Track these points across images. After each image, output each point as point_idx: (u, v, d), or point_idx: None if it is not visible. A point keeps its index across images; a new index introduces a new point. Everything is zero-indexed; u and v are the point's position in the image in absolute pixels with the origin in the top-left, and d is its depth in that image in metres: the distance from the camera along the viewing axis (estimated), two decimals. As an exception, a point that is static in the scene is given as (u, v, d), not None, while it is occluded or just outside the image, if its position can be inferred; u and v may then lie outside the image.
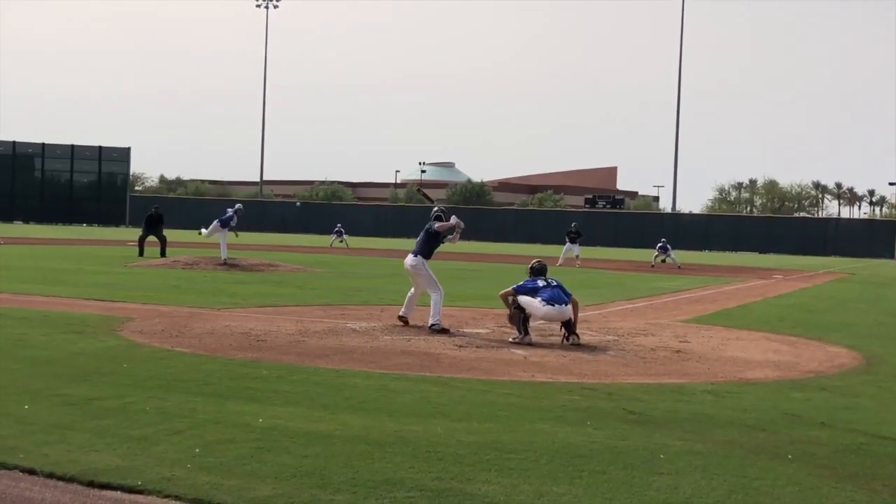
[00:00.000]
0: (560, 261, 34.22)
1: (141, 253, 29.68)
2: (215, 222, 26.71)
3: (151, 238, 30.47)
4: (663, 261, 38.14)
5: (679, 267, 36.01)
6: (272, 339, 10.99)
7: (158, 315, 13.19)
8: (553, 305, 11.44)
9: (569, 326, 11.59)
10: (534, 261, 12.82)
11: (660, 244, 39.22)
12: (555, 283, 11.84)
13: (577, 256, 35.89)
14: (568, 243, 36.40)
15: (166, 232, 31.15)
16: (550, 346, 11.26)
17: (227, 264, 24.96)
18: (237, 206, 27.89)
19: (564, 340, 11.51)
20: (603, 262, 43.33)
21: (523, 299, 11.58)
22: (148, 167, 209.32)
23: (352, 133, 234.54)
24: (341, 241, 50.61)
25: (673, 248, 40.26)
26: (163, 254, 29.51)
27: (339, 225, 55.04)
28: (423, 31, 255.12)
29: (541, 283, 11.85)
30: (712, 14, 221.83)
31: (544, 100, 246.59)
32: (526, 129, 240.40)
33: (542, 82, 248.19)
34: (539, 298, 11.50)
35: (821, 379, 9.53)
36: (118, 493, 5.06)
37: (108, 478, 5.21)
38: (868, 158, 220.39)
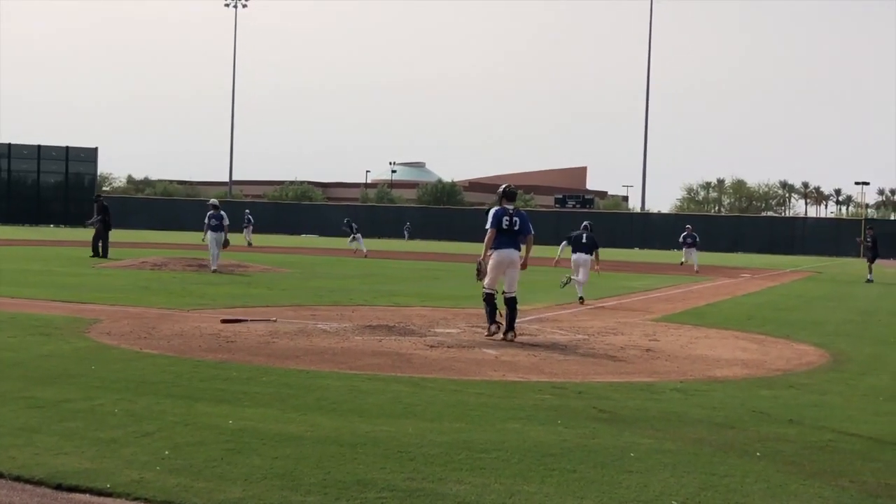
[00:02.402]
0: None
1: (101, 251, 29.34)
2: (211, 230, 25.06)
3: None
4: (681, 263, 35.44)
5: (696, 271, 33.56)
6: (242, 340, 10.94)
7: (127, 316, 13.09)
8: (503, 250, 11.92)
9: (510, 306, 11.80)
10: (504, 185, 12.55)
11: (686, 235, 35.35)
12: (516, 221, 11.98)
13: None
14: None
15: (127, 233, 30.75)
16: (522, 345, 11.29)
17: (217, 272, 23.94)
18: (212, 201, 26.69)
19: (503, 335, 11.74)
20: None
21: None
22: (115, 168, 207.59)
23: (322, 133, 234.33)
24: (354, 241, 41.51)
25: (641, 247, 39.24)
26: (96, 252, 29.17)
27: (346, 219, 45.77)
28: (393, 32, 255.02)
29: (505, 222, 11.91)
30: (681, 16, 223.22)
31: (514, 100, 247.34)
32: (496, 129, 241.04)
33: (512, 83, 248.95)
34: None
35: (789, 377, 9.61)
36: (87, 495, 5.02)
37: (76, 481, 5.16)
38: (835, 158, 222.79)
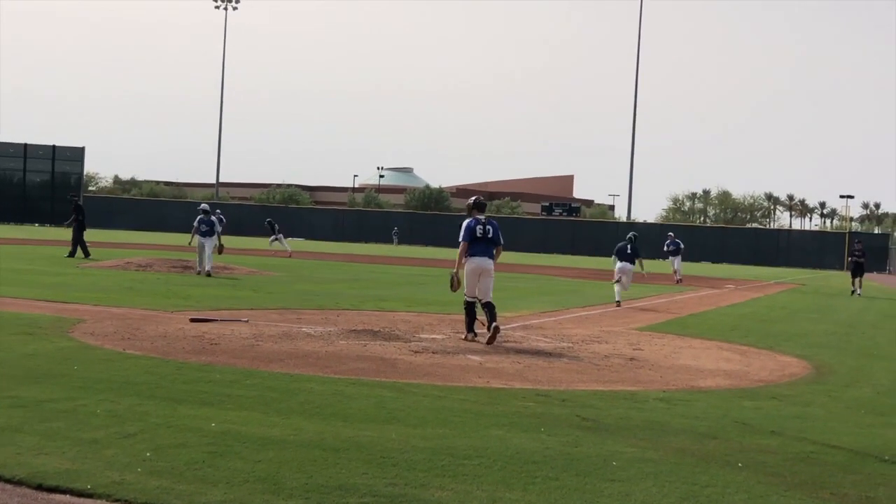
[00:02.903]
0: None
1: (76, 252, 29.15)
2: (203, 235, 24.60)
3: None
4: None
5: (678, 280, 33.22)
6: (226, 342, 10.92)
7: (111, 317, 13.04)
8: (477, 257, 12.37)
9: (489, 310, 12.04)
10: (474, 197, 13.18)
11: (669, 243, 34.75)
12: (489, 230, 12.46)
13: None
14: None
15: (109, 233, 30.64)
16: (506, 351, 11.30)
17: (210, 275, 23.47)
18: (203, 205, 26.08)
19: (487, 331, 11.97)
20: (559, 269, 43.57)
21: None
22: (102, 167, 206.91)
23: (310, 137, 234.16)
24: (278, 241, 42.19)
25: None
26: (85, 252, 29.04)
27: (268, 220, 45.25)
28: (382, 37, 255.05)
29: (479, 231, 12.37)
30: (669, 27, 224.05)
31: (502, 107, 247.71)
32: (484, 136, 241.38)
33: (500, 90, 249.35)
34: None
35: (771, 388, 9.65)
36: (67, 496, 4.99)
37: (56, 481, 5.14)
38: (820, 172, 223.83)
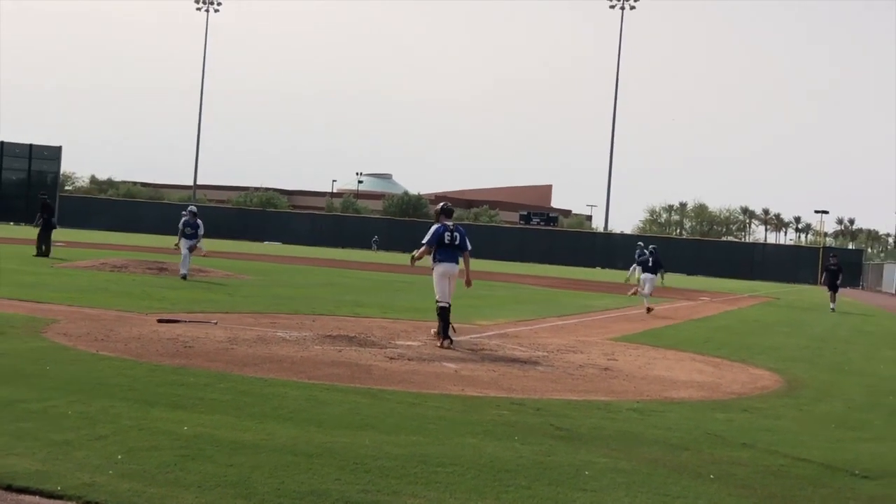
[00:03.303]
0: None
1: (38, 252, 28.83)
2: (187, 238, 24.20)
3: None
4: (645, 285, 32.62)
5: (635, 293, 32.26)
6: (200, 345, 10.87)
7: (85, 318, 12.96)
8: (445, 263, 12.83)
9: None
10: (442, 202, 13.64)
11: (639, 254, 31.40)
12: (457, 237, 12.92)
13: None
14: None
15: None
16: (481, 360, 11.31)
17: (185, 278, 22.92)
18: (190, 208, 25.90)
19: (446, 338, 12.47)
20: (535, 278, 43.65)
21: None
22: (79, 167, 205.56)
23: (289, 141, 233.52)
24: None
25: (603, 267, 38.54)
26: (47, 252, 28.79)
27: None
28: (363, 43, 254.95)
29: (447, 238, 12.83)
30: (649, 38, 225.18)
31: (482, 116, 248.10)
32: (464, 143, 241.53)
33: (480, 99, 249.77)
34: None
35: (743, 400, 9.71)
36: (37, 497, 4.95)
37: (26, 482, 5.10)
38: (795, 186, 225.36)
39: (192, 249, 24.04)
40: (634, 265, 22.64)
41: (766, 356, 14.26)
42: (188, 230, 24.28)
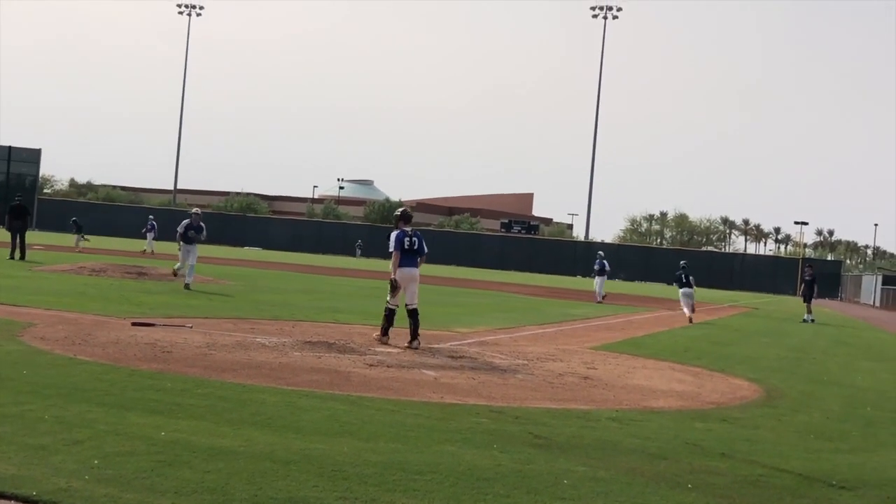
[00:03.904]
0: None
1: (12, 255, 28.58)
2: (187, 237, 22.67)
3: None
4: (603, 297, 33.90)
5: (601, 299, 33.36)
6: (179, 350, 10.81)
7: (62, 321, 12.87)
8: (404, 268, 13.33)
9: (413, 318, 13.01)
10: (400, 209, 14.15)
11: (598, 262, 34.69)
12: (415, 242, 13.49)
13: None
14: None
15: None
16: (461, 367, 11.29)
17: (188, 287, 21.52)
18: (195, 209, 24.26)
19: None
20: (516, 286, 43.67)
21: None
22: (58, 170, 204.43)
23: (270, 146, 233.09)
24: (84, 240, 42.74)
25: (584, 275, 38.78)
26: (22, 256, 28.54)
27: (73, 219, 45.01)
28: (345, 50, 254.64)
29: (407, 243, 13.39)
30: (631, 48, 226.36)
31: (464, 124, 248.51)
32: (445, 151, 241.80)
33: (462, 107, 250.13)
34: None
35: (722, 410, 9.73)
36: (12, 502, 4.91)
37: (1, 487, 5.04)
38: (775, 197, 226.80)
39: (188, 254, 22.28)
40: (675, 283, 26.58)
41: (746, 366, 14.31)
42: (191, 233, 22.61)
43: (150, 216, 47.58)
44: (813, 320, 31.44)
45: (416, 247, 13.46)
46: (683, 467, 6.80)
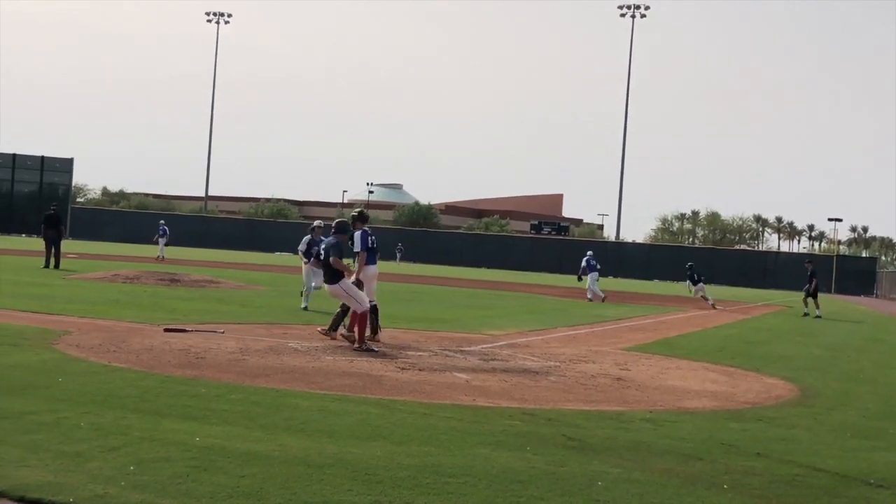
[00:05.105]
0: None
1: (47, 263, 28.86)
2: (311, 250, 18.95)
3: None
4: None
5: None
6: (212, 356, 10.87)
7: (96, 329, 12.98)
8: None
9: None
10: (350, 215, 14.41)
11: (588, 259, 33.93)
12: (374, 240, 14.00)
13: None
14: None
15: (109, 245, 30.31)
16: (493, 370, 11.28)
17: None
18: (317, 222, 20.49)
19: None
20: (547, 288, 43.56)
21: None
22: (91, 179, 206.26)
23: (299, 151, 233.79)
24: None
25: (615, 276, 38.49)
26: (56, 265, 28.78)
27: (161, 221, 45.50)
28: (372, 53, 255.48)
29: (370, 242, 13.85)
30: (660, 46, 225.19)
31: (492, 125, 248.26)
32: (474, 153, 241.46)
33: (491, 108, 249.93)
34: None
35: (757, 410, 9.66)
36: (49, 510, 4.95)
37: (39, 494, 5.10)
38: (809, 194, 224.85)
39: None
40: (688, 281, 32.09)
41: (780, 365, 14.19)
42: (315, 249, 18.35)
43: (161, 221, 46.65)
44: (819, 316, 31.11)
45: (375, 245, 14.01)
46: (719, 468, 6.76)
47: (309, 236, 19.65)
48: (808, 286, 32.60)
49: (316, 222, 20.47)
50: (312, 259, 18.62)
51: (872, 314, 39.62)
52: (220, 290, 24.26)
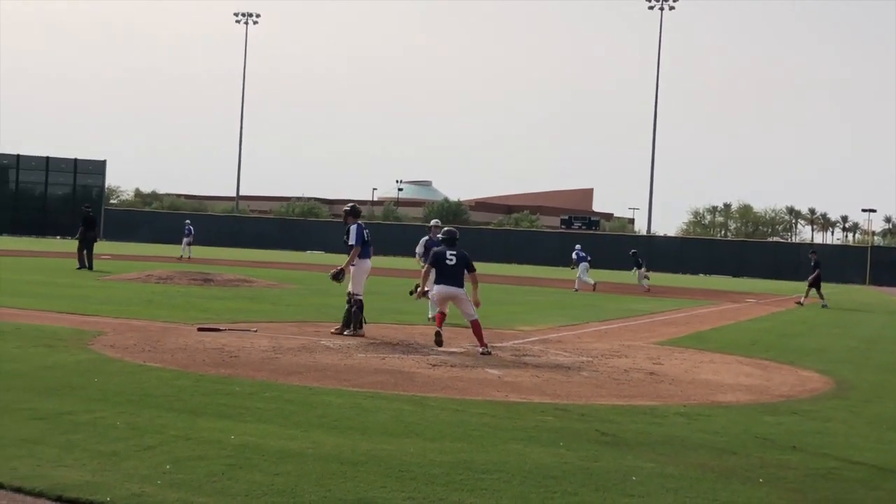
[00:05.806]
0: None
1: (81, 264, 29.05)
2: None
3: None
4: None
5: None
6: (245, 355, 10.94)
7: (131, 329, 13.10)
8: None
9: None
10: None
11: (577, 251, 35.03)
12: (368, 234, 14.17)
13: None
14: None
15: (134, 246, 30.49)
16: (525, 365, 11.27)
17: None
18: (434, 221, 19.37)
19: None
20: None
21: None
22: (124, 180, 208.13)
23: (329, 150, 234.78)
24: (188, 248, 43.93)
25: (649, 268, 39.09)
26: (90, 266, 28.96)
27: (187, 222, 46.29)
28: (401, 50, 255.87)
29: (366, 235, 14.12)
30: (689, 39, 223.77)
31: (522, 120, 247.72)
32: (503, 149, 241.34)
33: (520, 103, 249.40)
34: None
35: (792, 403, 9.58)
36: (87, 509, 5.01)
37: (76, 493, 5.16)
38: (842, 185, 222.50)
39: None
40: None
41: (814, 358, 14.07)
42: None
43: (187, 220, 47.21)
44: (825, 305, 30.86)
45: (369, 239, 14.28)
46: (754, 462, 6.72)
47: (427, 237, 17.76)
48: (811, 276, 32.34)
49: (433, 221, 19.16)
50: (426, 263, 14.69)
51: (908, 305, 39.15)
52: (253, 289, 24.40)
